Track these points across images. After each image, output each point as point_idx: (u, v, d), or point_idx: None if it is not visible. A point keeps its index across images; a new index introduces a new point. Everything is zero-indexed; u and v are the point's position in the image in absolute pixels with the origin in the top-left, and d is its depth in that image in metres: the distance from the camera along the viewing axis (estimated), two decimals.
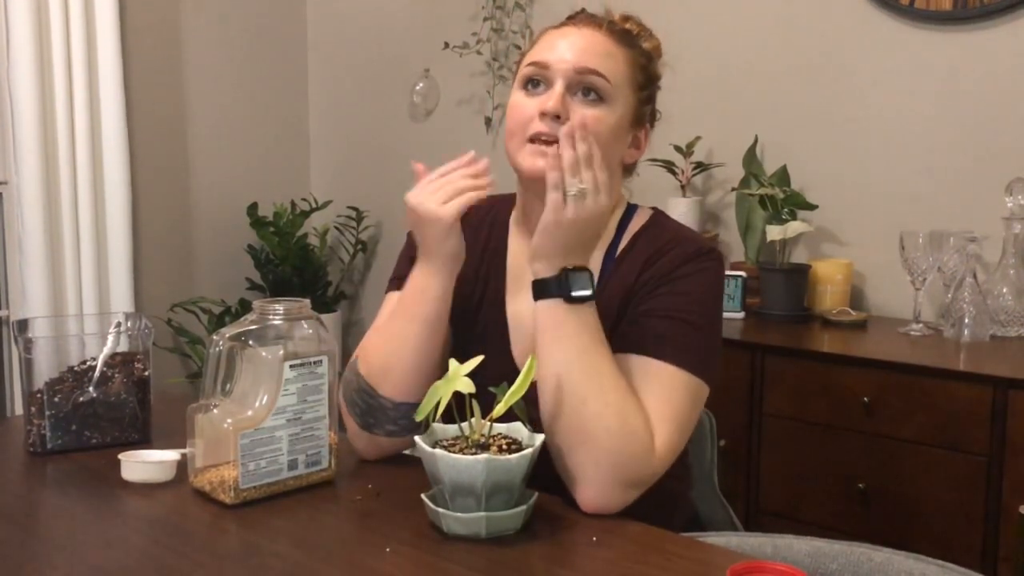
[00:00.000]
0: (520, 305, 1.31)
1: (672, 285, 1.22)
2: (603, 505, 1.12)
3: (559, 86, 1.23)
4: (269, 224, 3.42)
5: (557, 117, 1.21)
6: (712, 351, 1.23)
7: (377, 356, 1.28)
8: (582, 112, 1.21)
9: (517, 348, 1.31)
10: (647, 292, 1.23)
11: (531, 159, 1.23)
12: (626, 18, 1.33)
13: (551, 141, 1.21)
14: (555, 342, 1.14)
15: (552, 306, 1.15)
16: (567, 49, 1.24)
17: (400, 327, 1.26)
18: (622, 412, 1.11)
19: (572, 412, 1.12)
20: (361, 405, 1.28)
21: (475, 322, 1.34)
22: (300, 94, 3.79)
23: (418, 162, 1.27)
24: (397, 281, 1.37)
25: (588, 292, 1.14)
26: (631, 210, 1.36)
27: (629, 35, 1.29)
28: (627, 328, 1.21)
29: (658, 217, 1.35)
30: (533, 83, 1.26)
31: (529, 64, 1.27)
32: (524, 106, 1.25)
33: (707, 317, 1.23)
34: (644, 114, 1.32)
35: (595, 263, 1.28)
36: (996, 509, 1.78)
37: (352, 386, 1.29)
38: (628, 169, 1.37)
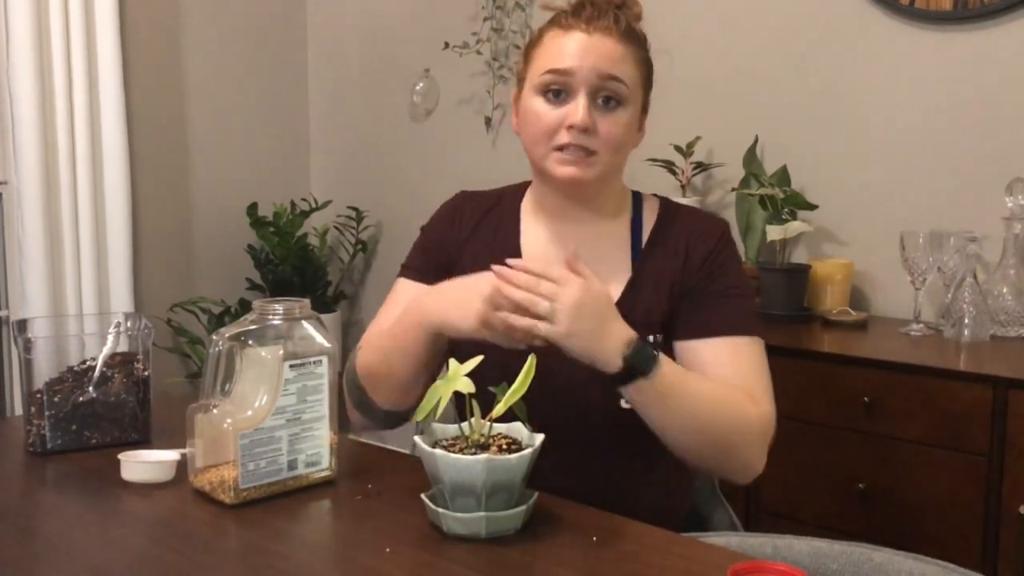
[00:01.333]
0: None
1: (721, 266, 1.34)
2: (756, 474, 1.27)
3: (583, 96, 1.27)
4: (269, 224, 3.42)
5: (586, 129, 1.27)
6: (757, 310, 1.41)
7: (371, 362, 1.32)
8: (604, 122, 1.28)
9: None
10: (704, 276, 1.33)
11: (562, 168, 1.29)
12: None
13: (580, 150, 1.28)
14: (665, 411, 1.20)
15: (640, 386, 1.17)
16: (586, 56, 1.27)
17: (392, 348, 1.29)
18: (737, 413, 1.23)
19: (711, 439, 1.23)
20: (356, 395, 1.34)
21: None
22: (300, 94, 3.79)
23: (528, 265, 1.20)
24: (409, 270, 1.43)
25: (654, 357, 1.17)
26: (637, 197, 1.43)
27: (632, 32, 1.32)
28: (704, 314, 1.31)
29: (668, 202, 1.43)
30: (555, 92, 1.29)
31: (548, 72, 1.29)
32: (548, 115, 1.29)
33: (748, 282, 1.40)
34: (647, 103, 1.38)
35: (623, 250, 1.36)
36: (996, 509, 1.78)
37: (350, 376, 1.34)
38: None
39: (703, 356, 1.29)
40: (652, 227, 1.38)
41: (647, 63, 1.35)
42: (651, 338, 1.31)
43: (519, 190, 1.46)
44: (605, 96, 1.28)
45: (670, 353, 1.32)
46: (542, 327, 1.13)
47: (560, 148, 1.28)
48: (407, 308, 1.28)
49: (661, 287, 1.34)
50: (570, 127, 1.27)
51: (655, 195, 1.45)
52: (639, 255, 1.36)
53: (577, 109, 1.26)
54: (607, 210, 1.39)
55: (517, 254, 1.39)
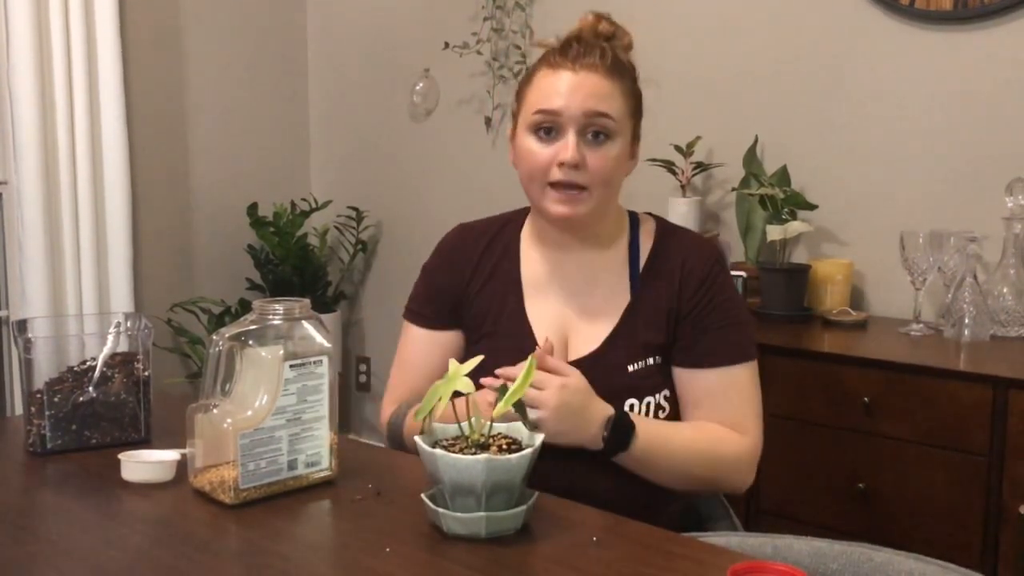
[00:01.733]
0: (539, 309, 1.42)
1: (718, 294, 1.39)
2: (746, 488, 1.40)
3: (572, 134, 1.33)
4: (269, 224, 3.41)
5: (575, 166, 1.32)
6: (753, 332, 1.43)
7: (412, 425, 1.39)
8: (593, 156, 1.33)
9: (541, 339, 1.38)
10: (699, 302, 1.38)
11: (556, 207, 1.35)
12: (599, 17, 1.40)
13: (572, 187, 1.34)
14: (650, 470, 1.32)
15: (622, 457, 1.29)
16: (573, 95, 1.32)
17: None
18: (721, 455, 1.35)
19: (698, 480, 1.36)
20: (397, 444, 1.43)
21: (498, 335, 1.41)
22: (300, 94, 3.79)
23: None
24: (417, 316, 1.49)
25: (631, 429, 1.28)
26: (634, 219, 1.47)
27: (619, 64, 1.37)
28: (700, 345, 1.37)
29: (664, 225, 1.48)
30: (546, 130, 1.34)
31: (537, 112, 1.34)
32: (539, 154, 1.35)
33: (742, 306, 1.45)
34: (638, 132, 1.42)
35: (621, 275, 1.41)
36: (996, 509, 1.78)
37: (396, 435, 1.43)
38: None
39: (699, 385, 1.38)
40: (649, 252, 1.43)
41: (635, 94, 1.39)
42: (651, 360, 1.37)
43: (519, 217, 1.50)
44: (594, 131, 1.33)
45: (670, 374, 1.39)
46: (536, 437, 1.17)
47: (553, 185, 1.34)
48: None
49: (659, 312, 1.39)
50: (561, 164, 1.32)
51: (650, 214, 1.49)
52: (637, 281, 1.41)
53: (567, 147, 1.32)
54: (604, 237, 1.43)
55: (518, 286, 1.44)
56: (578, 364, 1.34)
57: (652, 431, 1.31)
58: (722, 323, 1.38)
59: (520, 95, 1.40)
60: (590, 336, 1.39)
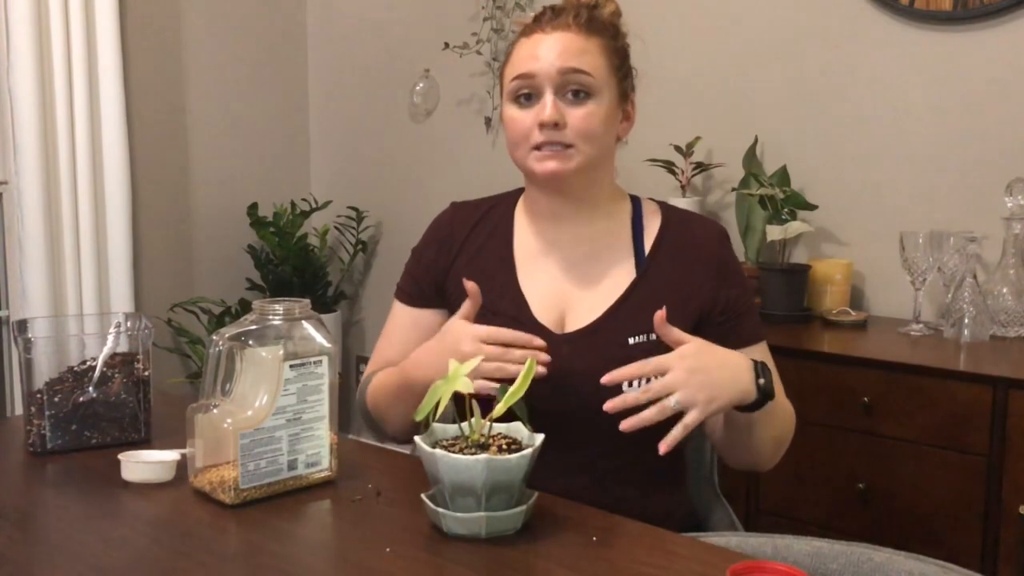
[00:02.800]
0: (534, 282, 1.39)
1: (732, 274, 1.38)
2: None
3: (549, 94, 1.30)
4: (269, 224, 3.42)
5: (555, 124, 1.29)
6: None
7: (377, 403, 1.41)
8: (575, 115, 1.29)
9: (536, 308, 1.36)
10: (717, 285, 1.36)
11: (541, 164, 1.31)
12: None
13: (555, 145, 1.30)
14: (772, 422, 1.29)
15: (768, 406, 1.23)
16: (546, 55, 1.30)
17: (391, 402, 1.38)
18: (791, 410, 1.38)
19: (783, 441, 1.38)
20: (368, 421, 1.43)
21: (496, 313, 1.37)
22: (300, 94, 3.79)
23: (469, 279, 1.31)
24: (403, 294, 1.48)
25: (769, 372, 1.23)
26: (636, 200, 1.44)
27: (594, 22, 1.33)
28: (729, 328, 1.35)
29: (669, 207, 1.45)
30: (525, 96, 1.32)
31: (514, 79, 1.33)
32: (521, 119, 1.33)
33: (750, 284, 1.45)
34: (627, 88, 1.38)
35: (624, 250, 1.38)
36: (996, 509, 1.78)
37: (362, 407, 1.44)
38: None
39: None
40: (657, 231, 1.39)
41: (618, 51, 1.35)
42: (653, 336, 1.29)
43: (513, 196, 1.48)
44: (573, 89, 1.30)
45: None
46: (688, 419, 1.14)
47: (537, 147, 1.31)
48: (401, 369, 1.34)
49: (670, 294, 1.33)
50: (541, 125, 1.29)
51: (650, 199, 1.46)
52: (644, 257, 1.37)
53: (544, 107, 1.29)
54: (601, 209, 1.39)
55: (510, 259, 1.40)
56: (575, 335, 1.32)
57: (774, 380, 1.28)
58: (739, 308, 1.37)
59: (502, 73, 1.39)
60: (591, 307, 1.35)
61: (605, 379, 1.16)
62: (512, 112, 1.33)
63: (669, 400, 1.13)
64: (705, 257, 1.37)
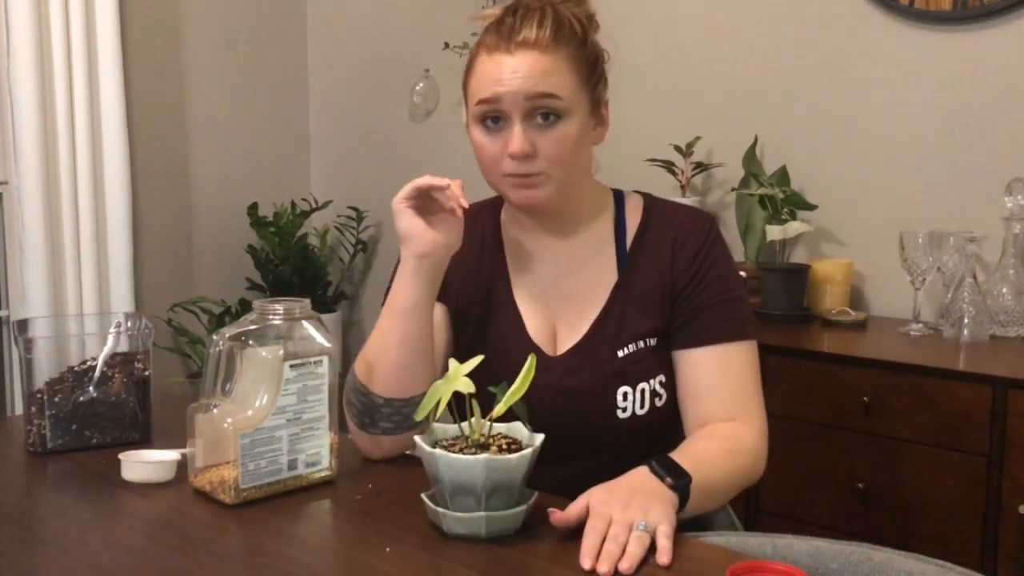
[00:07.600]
0: (527, 289, 1.37)
1: (711, 268, 1.31)
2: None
3: (517, 124, 1.25)
4: (269, 224, 3.42)
5: (526, 155, 1.25)
6: (750, 309, 1.36)
7: (366, 356, 1.31)
8: (545, 141, 1.25)
9: (531, 327, 1.35)
10: (693, 278, 1.31)
11: (516, 192, 1.30)
12: None
13: (528, 176, 1.27)
14: (708, 502, 1.20)
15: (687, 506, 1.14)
16: (510, 80, 1.24)
17: (381, 324, 1.31)
18: (744, 458, 1.25)
19: (736, 488, 1.25)
20: (357, 405, 1.30)
21: (487, 315, 1.37)
22: (300, 94, 3.79)
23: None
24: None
25: (685, 475, 1.12)
26: (619, 196, 1.41)
27: (561, 29, 1.26)
28: (697, 322, 1.30)
29: (651, 199, 1.41)
30: (492, 119, 1.28)
31: (479, 103, 1.27)
32: (489, 146, 1.29)
33: (739, 282, 1.35)
34: (600, 95, 1.33)
35: (607, 255, 1.35)
36: (996, 509, 1.78)
37: (350, 386, 1.32)
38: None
39: (697, 365, 1.30)
40: (637, 228, 1.36)
41: (586, 58, 1.28)
42: (643, 343, 1.31)
43: (495, 204, 1.45)
44: (543, 113, 1.25)
45: (667, 358, 1.32)
46: (662, 530, 1.03)
47: (509, 176, 1.28)
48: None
49: (651, 290, 1.32)
50: (511, 156, 1.25)
51: (638, 192, 1.42)
52: (624, 259, 1.35)
53: (514, 138, 1.25)
54: (585, 213, 1.37)
55: (503, 263, 1.40)
56: (566, 356, 1.31)
57: (687, 458, 1.16)
58: (718, 298, 1.30)
59: (464, 83, 1.33)
60: (577, 322, 1.33)
61: (553, 520, 1.05)
62: (480, 137, 1.29)
63: (618, 540, 1.00)
64: (685, 247, 1.32)
